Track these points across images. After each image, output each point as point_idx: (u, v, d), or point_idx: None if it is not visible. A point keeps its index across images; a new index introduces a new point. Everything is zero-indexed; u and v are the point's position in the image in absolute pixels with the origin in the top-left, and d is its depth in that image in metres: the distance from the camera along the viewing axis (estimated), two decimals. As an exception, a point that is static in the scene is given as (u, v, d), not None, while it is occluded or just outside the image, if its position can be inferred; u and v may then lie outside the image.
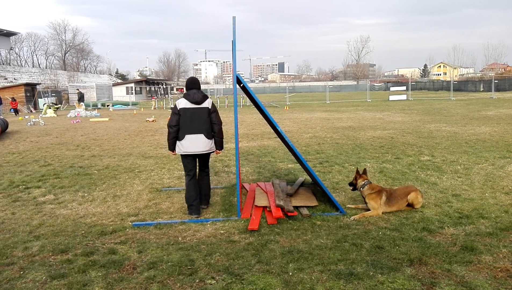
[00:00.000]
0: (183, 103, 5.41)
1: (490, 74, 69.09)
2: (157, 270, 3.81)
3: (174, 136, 5.46)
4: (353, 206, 5.70)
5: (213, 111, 5.54)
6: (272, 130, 7.58)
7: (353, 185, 5.76)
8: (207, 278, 3.64)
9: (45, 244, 4.57)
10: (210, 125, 5.50)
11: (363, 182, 5.61)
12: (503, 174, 7.30)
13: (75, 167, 9.11)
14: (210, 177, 6.58)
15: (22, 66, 77.47)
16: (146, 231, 4.91)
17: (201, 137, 5.42)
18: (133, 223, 5.20)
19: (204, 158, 5.75)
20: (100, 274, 3.78)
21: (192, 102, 5.41)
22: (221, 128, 5.64)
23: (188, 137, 5.39)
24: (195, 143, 5.41)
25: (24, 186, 7.39)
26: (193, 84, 5.60)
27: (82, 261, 4.09)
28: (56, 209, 6.00)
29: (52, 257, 4.24)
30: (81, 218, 5.53)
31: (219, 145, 5.63)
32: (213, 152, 5.66)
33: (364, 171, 5.78)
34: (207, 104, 5.51)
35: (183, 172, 8.25)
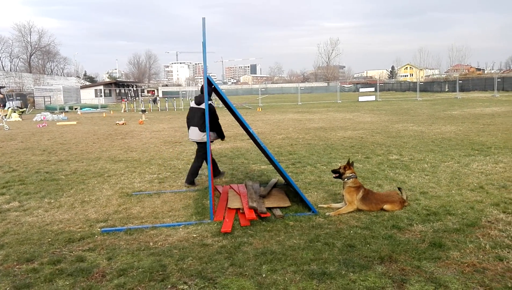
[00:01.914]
0: (191, 104, 7.22)
1: (454, 75, 71.61)
2: (127, 277, 3.72)
3: (187, 126, 7.32)
4: (325, 205, 5.76)
5: (211, 112, 6.64)
6: (244, 132, 7.56)
7: (339, 173, 5.78)
8: (179, 284, 3.58)
9: (10, 253, 4.38)
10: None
11: (350, 174, 5.66)
12: (468, 171, 7.55)
13: (41, 173, 8.80)
14: (184, 180, 7.49)
15: (-16, 68, 74.43)
16: (115, 237, 4.79)
17: (195, 129, 7.03)
18: (102, 229, 5.06)
19: (198, 145, 7.28)
20: (67, 283, 3.66)
21: (195, 103, 7.10)
22: (216, 126, 7.08)
23: (190, 128, 7.18)
24: (192, 133, 7.13)
25: (-14, 194, 7.07)
26: (201, 90, 7.12)
27: (49, 269, 3.95)
28: (21, 216, 5.77)
29: (17, 266, 4.07)
30: (48, 225, 5.34)
31: (220, 136, 7.27)
32: (204, 143, 6.90)
33: (351, 164, 5.84)
34: (203, 106, 6.78)
35: (154, 176, 8.15)
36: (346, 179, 5.68)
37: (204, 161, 7.31)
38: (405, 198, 5.61)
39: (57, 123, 23.47)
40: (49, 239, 4.78)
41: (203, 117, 6.61)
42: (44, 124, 22.99)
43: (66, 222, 5.45)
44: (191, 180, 7.24)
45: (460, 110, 23.01)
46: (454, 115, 19.88)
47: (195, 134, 7.04)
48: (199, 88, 7.33)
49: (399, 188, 5.92)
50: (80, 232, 5.00)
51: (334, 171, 5.93)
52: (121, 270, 3.86)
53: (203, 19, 5.01)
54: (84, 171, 8.83)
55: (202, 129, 6.89)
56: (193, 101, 7.16)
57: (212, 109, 6.76)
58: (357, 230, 4.75)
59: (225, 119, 21.44)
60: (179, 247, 4.42)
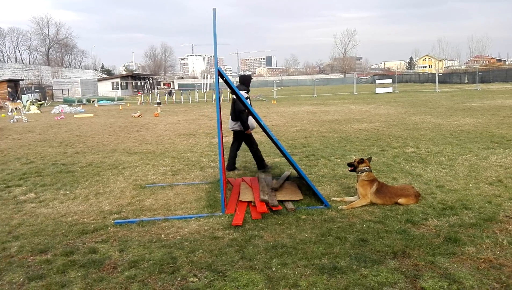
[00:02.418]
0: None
1: (474, 66, 69.89)
2: (138, 269, 3.74)
3: None
4: (338, 199, 5.69)
5: (234, 102, 7.38)
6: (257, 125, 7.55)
7: (354, 166, 5.74)
8: (189, 276, 3.58)
9: (24, 244, 4.46)
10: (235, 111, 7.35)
11: (364, 167, 5.60)
12: (486, 164, 7.36)
13: (57, 165, 8.94)
14: (198, 172, 7.88)
15: (4, 62, 75.78)
16: (128, 229, 4.82)
17: (230, 119, 7.60)
18: (115, 221, 5.10)
19: (234, 133, 7.82)
20: (79, 274, 3.70)
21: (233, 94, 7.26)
22: (240, 115, 7.30)
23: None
24: (228, 122, 7.72)
25: (4, 185, 7.22)
26: (239, 80, 7.54)
27: (62, 261, 3.99)
28: (37, 208, 5.86)
29: (31, 257, 4.13)
30: (62, 217, 5.42)
31: (242, 127, 7.42)
32: (240, 131, 7.51)
33: (369, 159, 5.81)
34: (234, 96, 7.16)
35: (168, 168, 8.19)
36: (359, 173, 5.60)
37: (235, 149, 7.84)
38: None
39: (75, 116, 23.82)
40: (63, 231, 4.85)
41: (233, 107, 7.39)
42: (62, 116, 23.37)
43: (81, 213, 5.52)
44: (262, 165, 7.65)
45: (479, 102, 22.48)
46: (473, 107, 19.43)
47: (230, 123, 7.63)
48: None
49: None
50: (93, 224, 5.05)
51: (349, 165, 5.85)
52: (132, 262, 3.89)
53: (214, 9, 4.96)
54: (99, 163, 8.93)
55: (234, 118, 7.47)
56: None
57: (239, 99, 7.08)
58: (370, 224, 4.68)
59: (239, 112, 21.46)
60: (190, 239, 4.42)
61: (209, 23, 6.01)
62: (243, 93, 7.12)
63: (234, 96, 7.21)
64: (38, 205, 6.00)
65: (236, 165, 8.05)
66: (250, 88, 7.56)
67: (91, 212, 5.57)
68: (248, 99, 7.23)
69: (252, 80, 7.59)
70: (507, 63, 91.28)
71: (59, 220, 5.28)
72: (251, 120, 7.45)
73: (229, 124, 7.70)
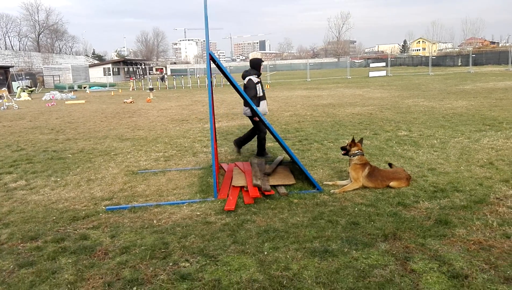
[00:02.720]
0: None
1: (468, 48, 69.89)
2: (129, 255, 3.73)
3: None
4: (330, 183, 5.70)
5: (245, 87, 7.04)
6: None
7: (346, 150, 5.73)
8: (181, 261, 3.58)
9: (14, 232, 4.42)
10: None
11: (356, 151, 5.59)
12: (478, 147, 7.39)
13: (48, 152, 8.86)
14: (191, 158, 7.79)
15: (-7, 48, 74.60)
16: (120, 215, 4.80)
17: (243, 105, 7.28)
18: (107, 207, 5.07)
19: (248, 118, 7.60)
20: (70, 261, 3.68)
21: (242, 78, 7.21)
22: (250, 100, 6.59)
23: None
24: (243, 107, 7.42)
25: (-6, 173, 7.14)
26: (250, 64, 7.33)
27: (52, 248, 3.97)
28: (28, 195, 5.82)
29: (21, 244, 4.10)
30: (53, 203, 5.38)
31: (251, 113, 7.07)
32: (251, 116, 7.20)
33: (361, 141, 5.78)
34: (245, 81, 7.12)
35: (160, 154, 8.15)
36: (352, 156, 5.60)
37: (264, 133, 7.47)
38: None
39: (66, 102, 23.57)
40: (54, 217, 4.82)
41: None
42: (53, 103, 23.11)
43: (72, 200, 5.48)
44: (262, 153, 7.48)
45: (472, 84, 22.51)
46: (466, 89, 19.45)
47: (242, 108, 7.42)
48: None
49: (389, 164, 5.99)
50: (84, 210, 5.02)
51: (342, 148, 5.84)
52: (123, 248, 3.87)
53: (203, -8, 4.85)
54: (91, 150, 8.86)
55: (245, 104, 7.15)
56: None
57: (247, 84, 7.07)
58: (362, 207, 4.69)
59: (233, 97, 21.33)
60: (182, 225, 4.41)
61: (201, 7, 5.82)
62: (253, 78, 7.07)
63: (245, 81, 7.11)
64: (29, 192, 5.95)
65: (229, 151, 8.01)
66: (261, 72, 7.33)
67: (82, 198, 5.53)
68: (259, 84, 7.13)
69: (262, 63, 7.35)
70: (500, 45, 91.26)
71: (50, 207, 5.25)
72: (262, 105, 7.24)
73: (243, 110, 7.50)
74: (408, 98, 16.92)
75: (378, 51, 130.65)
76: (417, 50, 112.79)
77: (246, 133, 7.73)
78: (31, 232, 4.38)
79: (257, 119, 7.06)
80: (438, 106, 13.67)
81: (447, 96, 16.70)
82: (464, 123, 10.02)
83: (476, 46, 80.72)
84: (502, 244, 3.63)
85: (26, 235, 4.30)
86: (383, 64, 48.79)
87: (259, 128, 7.31)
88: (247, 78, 7.14)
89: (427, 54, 72.79)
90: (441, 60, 60.61)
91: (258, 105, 7.09)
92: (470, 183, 5.39)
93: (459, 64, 54.35)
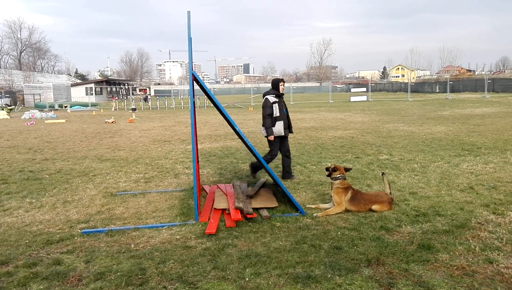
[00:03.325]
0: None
1: (445, 76, 71.93)
2: (104, 281, 3.56)
3: None
4: (313, 206, 5.64)
5: (262, 107, 7.11)
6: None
7: (329, 172, 5.65)
8: (158, 288, 3.43)
9: (-16, 256, 4.20)
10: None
11: (338, 175, 5.53)
12: (458, 171, 7.48)
13: (24, 172, 8.59)
14: (172, 180, 7.64)
15: (-27, 65, 73.27)
16: (96, 239, 4.62)
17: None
18: (82, 230, 4.89)
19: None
20: (41, 287, 3.49)
21: (262, 97, 7.24)
22: (263, 119, 7.04)
23: None
24: None
25: (-35, 193, 6.85)
26: (271, 84, 7.31)
27: (23, 273, 3.78)
28: (0, 217, 5.57)
29: (-10, 270, 3.89)
30: (27, 226, 5.16)
31: (266, 133, 7.06)
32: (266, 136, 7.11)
33: (347, 169, 5.70)
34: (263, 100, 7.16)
35: (140, 175, 7.98)
36: (334, 180, 5.57)
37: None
38: (388, 188, 5.53)
39: (46, 121, 23.13)
40: (27, 241, 4.61)
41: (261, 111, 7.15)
42: (32, 122, 22.65)
43: (46, 223, 5.27)
44: (254, 171, 7.37)
45: (450, 110, 23.08)
46: (444, 115, 19.91)
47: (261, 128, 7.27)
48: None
49: (382, 173, 5.96)
50: (59, 234, 4.83)
51: (327, 169, 5.78)
52: (98, 274, 3.70)
53: (188, 12, 4.86)
54: (69, 170, 8.63)
55: (263, 124, 7.12)
56: None
57: (263, 103, 7.09)
58: (345, 231, 4.64)
59: (216, 118, 21.31)
60: (161, 249, 4.27)
61: (185, 29, 5.73)
62: (269, 97, 7.07)
63: (264, 101, 7.09)
64: (2, 214, 5.71)
65: (212, 172, 7.89)
66: (283, 92, 7.23)
67: (58, 221, 5.33)
68: (277, 103, 7.02)
69: (282, 83, 7.22)
70: (476, 73, 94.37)
71: (23, 229, 5.03)
72: (278, 126, 7.03)
73: (286, 132, 7.25)
74: (388, 122, 17.19)
75: (359, 76, 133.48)
76: (397, 77, 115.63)
77: (264, 156, 7.24)
78: (1, 256, 4.17)
79: (271, 138, 6.99)
80: (418, 131, 13.91)
81: (426, 122, 17.03)
82: (444, 148, 10.18)
83: (454, 74, 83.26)
84: (485, 270, 3.62)
85: (-5, 260, 4.08)
86: (364, 89, 49.81)
87: (270, 148, 7.15)
88: (264, 97, 7.16)
89: (406, 81, 74.70)
90: (419, 87, 62.13)
91: (273, 125, 7.01)
92: (451, 207, 5.41)
93: (437, 90, 55.80)
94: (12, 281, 3.63)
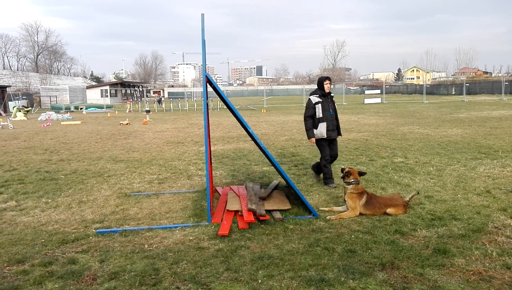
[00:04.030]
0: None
1: (461, 78, 70.94)
2: (118, 281, 3.59)
3: None
4: (326, 208, 5.61)
5: (305, 107, 6.93)
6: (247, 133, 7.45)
7: (343, 174, 5.60)
8: (171, 288, 3.45)
9: (1, 254, 4.28)
10: None
11: (352, 180, 5.48)
12: (474, 175, 7.36)
13: (41, 172, 8.73)
14: (185, 181, 7.63)
15: (-8, 68, 74.85)
16: (110, 238, 4.67)
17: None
18: (97, 230, 4.94)
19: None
20: (57, 286, 3.54)
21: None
22: (304, 121, 6.90)
23: None
24: None
25: (-16, 193, 6.99)
26: (317, 84, 6.99)
27: (39, 272, 3.83)
28: (17, 216, 5.68)
29: (7, 268, 3.96)
30: (43, 225, 5.24)
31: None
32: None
33: (361, 173, 5.66)
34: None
35: (154, 176, 8.04)
36: (346, 185, 5.50)
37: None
38: (408, 199, 5.47)
39: (62, 123, 23.51)
40: (43, 240, 4.68)
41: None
42: (48, 123, 23.04)
43: (62, 222, 5.35)
44: (316, 172, 7.24)
45: (467, 113, 22.73)
46: (460, 118, 19.61)
47: None
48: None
49: (417, 192, 5.96)
50: (74, 233, 4.89)
51: (342, 170, 5.71)
52: (112, 273, 3.74)
53: (202, 15, 4.89)
54: (84, 171, 8.74)
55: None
56: None
57: (306, 104, 6.88)
58: (359, 235, 4.60)
59: (229, 120, 21.37)
60: (174, 250, 4.29)
61: (200, 32, 5.71)
62: (312, 98, 6.82)
63: (307, 101, 6.83)
64: (19, 213, 5.81)
65: (225, 174, 7.90)
66: (330, 91, 6.86)
67: (73, 221, 5.40)
68: (321, 104, 6.73)
69: (327, 81, 6.82)
70: (493, 75, 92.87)
71: (39, 229, 5.11)
72: (320, 128, 6.73)
73: (333, 135, 6.95)
74: (403, 125, 17.00)
75: (373, 78, 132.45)
76: (411, 79, 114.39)
77: (318, 162, 7.19)
78: (18, 255, 4.23)
79: (312, 141, 6.82)
80: (433, 133, 13.73)
81: (442, 124, 16.80)
82: (460, 151, 10.02)
83: (470, 76, 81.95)
84: (503, 275, 3.54)
85: (13, 258, 4.15)
86: (378, 91, 49.35)
87: (320, 152, 6.95)
88: (308, 98, 6.93)
89: (421, 83, 73.80)
90: (435, 89, 61.40)
91: (315, 127, 6.76)
92: (467, 211, 5.32)
93: (453, 93, 55.07)
94: (28, 280, 3.68)
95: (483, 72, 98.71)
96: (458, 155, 9.36)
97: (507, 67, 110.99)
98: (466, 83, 46.02)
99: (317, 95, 6.84)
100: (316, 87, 6.96)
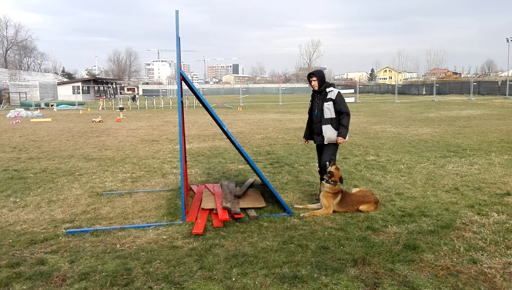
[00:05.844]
0: None
1: (432, 78, 72.78)
2: (89, 282, 3.52)
3: None
4: (301, 206, 5.66)
5: (335, 102, 5.90)
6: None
7: (326, 173, 5.49)
8: (144, 288, 3.40)
9: (-35, 256, 4.12)
10: None
11: (331, 181, 5.45)
12: (443, 172, 7.57)
13: (9, 171, 8.44)
14: (159, 179, 7.40)
15: (-44, 63, 71.84)
16: (81, 238, 4.57)
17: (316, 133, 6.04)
18: (67, 230, 4.82)
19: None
20: (24, 287, 3.44)
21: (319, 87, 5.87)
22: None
23: None
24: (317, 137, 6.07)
25: None
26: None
27: (6, 273, 3.71)
28: (-18, 216, 5.47)
29: (-28, 270, 3.81)
30: (10, 225, 5.07)
31: (340, 133, 5.98)
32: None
33: (341, 179, 5.57)
34: (332, 95, 5.87)
35: (127, 175, 7.90)
36: (325, 182, 5.51)
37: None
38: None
39: (31, 120, 22.79)
40: (10, 241, 4.53)
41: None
42: (17, 120, 22.31)
43: (30, 222, 5.19)
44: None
45: (436, 112, 23.36)
46: (430, 117, 20.15)
47: (316, 138, 6.05)
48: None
49: None
50: (43, 233, 4.75)
51: (326, 165, 5.61)
52: (83, 274, 3.65)
53: (177, 11, 4.84)
54: (54, 170, 8.51)
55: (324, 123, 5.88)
56: None
57: (337, 98, 5.87)
58: (332, 232, 4.66)
59: (205, 118, 21.22)
60: (147, 249, 4.23)
61: (174, 28, 5.56)
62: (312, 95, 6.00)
63: (333, 96, 5.78)
64: (-16, 213, 5.60)
65: (200, 172, 7.83)
66: (317, 89, 5.86)
67: (42, 221, 5.25)
68: (310, 103, 6.06)
69: (312, 78, 5.86)
70: (462, 76, 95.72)
71: (6, 229, 4.94)
72: (309, 129, 6.16)
73: (317, 140, 5.98)
74: (375, 124, 17.33)
75: (347, 78, 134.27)
76: (384, 79, 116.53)
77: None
78: (-17, 257, 4.09)
79: (343, 140, 5.98)
80: (405, 132, 14.05)
81: (412, 123, 17.21)
82: (430, 149, 10.30)
83: (440, 76, 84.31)
84: (469, 270, 3.66)
85: (-23, 260, 4.00)
86: (352, 91, 50.09)
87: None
88: (335, 92, 5.83)
89: (393, 83, 75.31)
90: (406, 89, 62.78)
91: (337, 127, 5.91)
92: (436, 208, 5.47)
93: (424, 92, 56.44)
94: (-6, 282, 3.56)
95: (453, 73, 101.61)
96: (428, 153, 9.61)
97: (476, 68, 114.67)
98: (436, 84, 47.31)
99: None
100: (323, 81, 5.96)
